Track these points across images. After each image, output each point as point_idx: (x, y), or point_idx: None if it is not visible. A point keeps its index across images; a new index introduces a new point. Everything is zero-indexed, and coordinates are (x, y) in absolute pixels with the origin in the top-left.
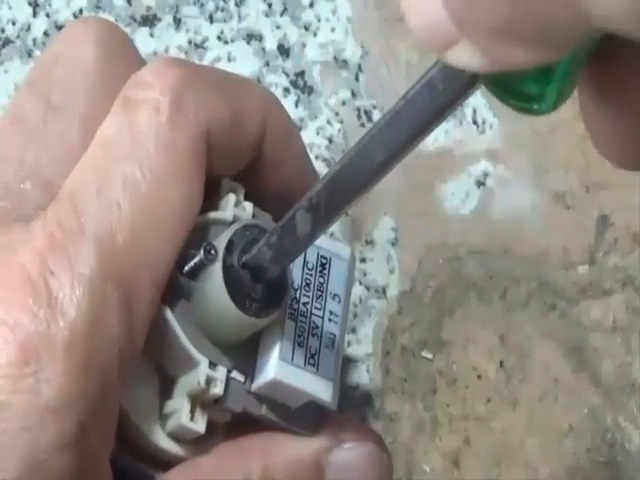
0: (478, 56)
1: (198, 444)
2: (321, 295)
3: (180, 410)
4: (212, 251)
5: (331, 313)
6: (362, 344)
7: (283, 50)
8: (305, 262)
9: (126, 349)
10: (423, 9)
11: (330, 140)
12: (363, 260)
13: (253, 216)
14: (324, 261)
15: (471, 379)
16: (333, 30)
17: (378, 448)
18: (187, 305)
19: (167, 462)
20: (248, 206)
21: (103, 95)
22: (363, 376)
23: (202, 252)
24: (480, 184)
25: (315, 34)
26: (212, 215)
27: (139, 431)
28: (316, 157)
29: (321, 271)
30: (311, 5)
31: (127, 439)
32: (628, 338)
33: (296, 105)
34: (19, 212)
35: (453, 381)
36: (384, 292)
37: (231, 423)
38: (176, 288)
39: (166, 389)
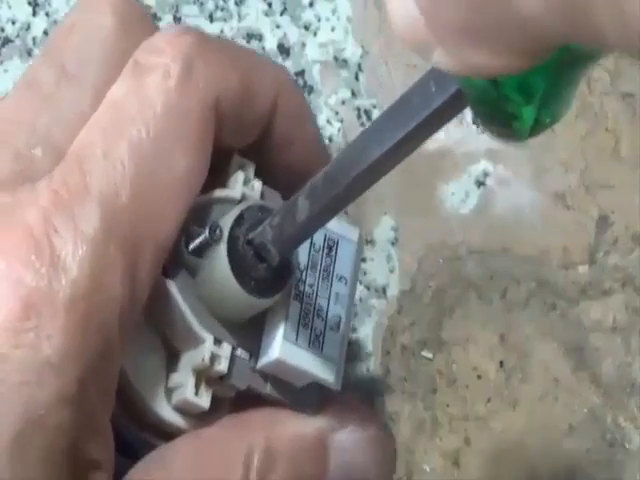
0: (451, 58)
1: (203, 419)
2: (327, 277)
3: (185, 385)
4: (217, 231)
5: (337, 295)
6: (362, 344)
7: (283, 50)
8: (312, 243)
9: (127, 309)
10: (404, 15)
11: (330, 139)
12: (363, 260)
13: (262, 195)
14: (331, 243)
15: (471, 379)
16: (333, 30)
17: (381, 432)
18: (193, 282)
19: (170, 434)
20: (257, 184)
21: (118, 64)
22: (363, 376)
23: (207, 231)
24: (480, 184)
25: (315, 34)
26: (220, 193)
27: (143, 400)
28: None
29: (328, 253)
30: (311, 5)
31: (132, 409)
32: (628, 338)
33: None
34: (27, 175)
35: (453, 381)
36: (384, 292)
37: (235, 400)
38: (182, 264)
39: (172, 362)
